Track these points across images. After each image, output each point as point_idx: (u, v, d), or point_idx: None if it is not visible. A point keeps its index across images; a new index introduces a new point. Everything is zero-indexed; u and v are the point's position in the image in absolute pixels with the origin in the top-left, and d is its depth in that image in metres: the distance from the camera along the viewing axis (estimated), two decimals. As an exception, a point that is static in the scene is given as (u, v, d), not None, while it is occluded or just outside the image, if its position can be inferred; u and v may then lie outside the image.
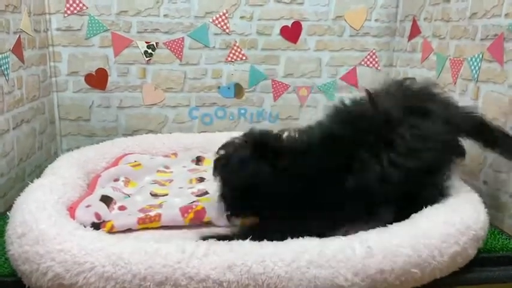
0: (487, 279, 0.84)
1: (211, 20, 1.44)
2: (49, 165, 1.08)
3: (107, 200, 0.98)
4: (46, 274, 0.69)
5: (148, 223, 0.90)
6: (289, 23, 1.48)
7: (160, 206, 1.00)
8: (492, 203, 1.03)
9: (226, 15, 1.44)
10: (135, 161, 1.21)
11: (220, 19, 1.44)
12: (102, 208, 0.93)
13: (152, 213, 0.92)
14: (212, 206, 0.96)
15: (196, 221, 0.92)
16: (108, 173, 1.13)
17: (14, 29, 1.14)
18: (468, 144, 1.06)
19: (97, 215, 0.90)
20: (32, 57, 1.27)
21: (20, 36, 1.17)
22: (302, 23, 1.48)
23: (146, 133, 1.47)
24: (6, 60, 1.09)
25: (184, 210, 0.92)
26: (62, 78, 1.42)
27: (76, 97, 1.44)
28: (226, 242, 0.74)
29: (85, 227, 0.81)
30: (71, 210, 0.87)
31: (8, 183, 1.10)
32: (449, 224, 0.79)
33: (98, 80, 1.44)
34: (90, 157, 1.18)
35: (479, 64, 1.09)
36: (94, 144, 1.29)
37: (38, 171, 1.09)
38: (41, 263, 0.70)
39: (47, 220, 0.75)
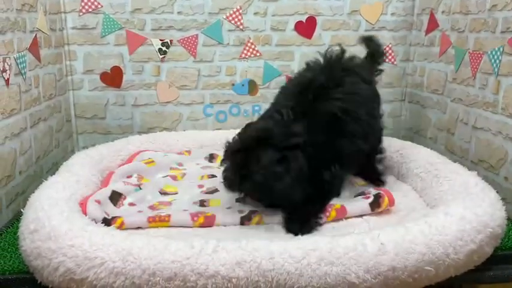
0: (509, 277, 0.82)
1: (225, 17, 1.44)
2: (64, 162, 1.09)
3: (115, 196, 0.99)
4: (57, 269, 0.70)
5: (158, 222, 0.90)
6: (303, 18, 1.46)
7: (170, 203, 1.01)
8: (513, 200, 1.00)
9: (240, 11, 1.44)
10: (149, 158, 1.22)
11: (234, 15, 1.44)
12: (108, 206, 0.94)
13: (163, 214, 0.91)
14: (221, 210, 0.96)
15: (205, 225, 0.91)
16: (122, 169, 1.14)
17: (30, 28, 1.16)
18: (489, 139, 1.04)
19: (106, 212, 0.91)
20: (48, 56, 1.29)
21: (36, 35, 1.19)
22: (317, 17, 1.46)
23: (161, 131, 1.48)
24: (24, 59, 1.11)
25: (194, 215, 0.92)
26: (77, 76, 1.44)
27: (92, 95, 1.46)
28: (235, 239, 0.73)
29: (96, 222, 0.82)
30: (82, 206, 0.88)
31: (27, 180, 1.12)
32: (465, 221, 0.76)
33: (113, 78, 1.45)
34: (104, 155, 1.19)
35: (500, 57, 1.06)
36: (109, 142, 1.30)
37: (55, 169, 1.11)
38: (53, 258, 0.71)
39: (58, 216, 0.76)
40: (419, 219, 0.78)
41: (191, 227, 0.91)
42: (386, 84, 1.54)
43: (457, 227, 0.75)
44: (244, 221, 0.92)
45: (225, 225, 0.92)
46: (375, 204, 0.95)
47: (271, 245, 0.71)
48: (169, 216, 0.91)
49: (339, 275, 0.69)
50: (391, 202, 0.97)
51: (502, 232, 0.82)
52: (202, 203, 1.01)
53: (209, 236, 0.78)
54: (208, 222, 0.91)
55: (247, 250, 0.70)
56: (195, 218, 0.91)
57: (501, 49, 1.05)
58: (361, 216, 0.95)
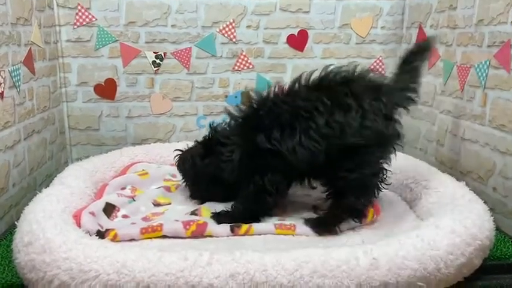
0: (497, 287, 0.83)
1: (218, 30, 1.46)
2: (58, 174, 1.10)
3: (108, 208, 0.99)
4: (52, 282, 0.70)
5: (150, 232, 0.91)
6: (295, 32, 1.49)
7: (162, 213, 1.02)
8: (501, 210, 1.02)
9: (233, 24, 1.46)
10: (143, 170, 1.23)
11: (227, 28, 1.46)
12: (102, 218, 0.95)
13: (155, 223, 0.93)
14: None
15: (197, 233, 0.92)
16: (116, 181, 1.14)
17: (24, 41, 1.17)
18: (477, 151, 1.05)
19: (100, 225, 0.91)
20: (43, 68, 1.29)
21: (30, 48, 1.20)
22: (308, 31, 1.49)
23: (154, 142, 1.48)
24: (18, 72, 1.12)
25: (186, 223, 0.93)
26: (71, 88, 1.45)
27: (85, 107, 1.47)
28: (229, 251, 0.74)
29: (90, 235, 0.82)
30: (76, 218, 0.88)
31: (20, 192, 1.12)
32: (456, 234, 0.77)
33: (107, 90, 1.46)
34: (98, 166, 1.19)
35: (487, 71, 1.08)
36: (103, 154, 1.31)
37: (48, 181, 1.11)
38: (47, 271, 0.71)
39: (53, 229, 0.76)
40: (410, 231, 0.79)
41: (184, 238, 0.91)
42: (377, 96, 1.56)
43: (448, 240, 0.76)
44: (234, 228, 0.94)
45: (216, 234, 0.93)
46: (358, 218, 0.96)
47: (264, 257, 0.71)
48: (161, 225, 0.92)
49: (331, 287, 0.69)
50: (377, 211, 0.98)
51: (491, 244, 0.83)
52: (193, 212, 1.02)
53: (202, 248, 0.79)
54: (200, 230, 0.92)
55: (241, 262, 0.70)
56: (187, 226, 0.92)
57: (487, 63, 1.08)
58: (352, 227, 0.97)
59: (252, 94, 1.02)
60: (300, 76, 0.98)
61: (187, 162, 1.08)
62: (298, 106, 0.93)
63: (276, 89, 0.99)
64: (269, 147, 0.93)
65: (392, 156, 0.98)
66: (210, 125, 1.09)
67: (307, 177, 1.02)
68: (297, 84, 0.98)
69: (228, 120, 1.04)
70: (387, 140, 0.94)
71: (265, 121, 0.95)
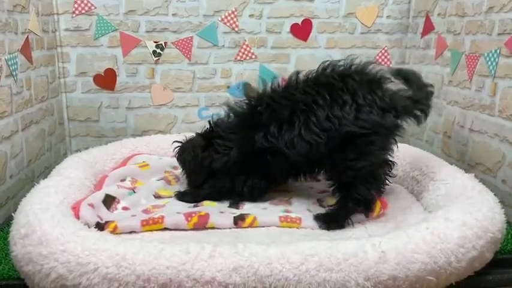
0: (508, 281, 0.81)
1: (220, 19, 1.43)
2: (56, 166, 1.07)
3: (108, 200, 0.97)
4: (49, 275, 0.68)
5: (151, 224, 0.89)
6: (299, 21, 1.46)
7: (164, 206, 1.00)
8: (511, 203, 1.00)
9: (235, 13, 1.43)
10: (143, 162, 1.20)
11: (229, 17, 1.43)
12: (101, 209, 0.92)
13: (156, 216, 0.91)
14: (215, 210, 0.96)
15: (199, 225, 0.90)
16: (116, 173, 1.12)
17: (22, 30, 1.14)
18: (486, 142, 1.03)
19: (99, 216, 0.89)
20: (41, 57, 1.27)
21: (28, 36, 1.17)
22: (312, 20, 1.46)
23: (155, 134, 1.46)
24: (15, 60, 1.09)
25: (188, 215, 0.91)
26: (70, 78, 1.42)
27: (85, 98, 1.44)
28: (232, 243, 0.72)
29: (89, 227, 0.80)
30: (75, 210, 0.86)
31: (17, 184, 1.10)
32: (467, 226, 0.75)
33: (106, 80, 1.43)
34: (98, 158, 1.17)
35: (497, 60, 1.05)
36: (102, 145, 1.28)
37: (47, 173, 1.09)
38: (44, 263, 0.69)
39: (50, 221, 0.74)
40: (419, 224, 0.76)
41: (185, 230, 0.89)
42: (382, 87, 1.53)
43: (459, 233, 0.73)
44: (238, 220, 0.92)
45: (219, 226, 0.91)
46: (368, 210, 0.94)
47: (268, 250, 0.69)
48: (162, 217, 0.90)
49: (338, 281, 0.67)
50: (384, 205, 0.96)
51: (502, 236, 0.80)
52: (196, 204, 1.01)
53: (204, 240, 0.77)
54: (202, 222, 0.90)
55: (244, 255, 0.68)
56: (189, 218, 0.90)
57: (498, 51, 1.05)
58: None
59: (253, 87, 1.04)
60: (298, 71, 1.00)
61: (188, 153, 1.07)
62: (297, 100, 0.94)
63: (274, 84, 1.00)
64: (267, 146, 0.95)
65: (394, 147, 0.98)
66: (211, 118, 1.09)
67: (304, 172, 1.03)
68: (295, 79, 0.99)
69: (229, 114, 1.05)
70: (385, 129, 0.93)
71: (263, 118, 0.96)
